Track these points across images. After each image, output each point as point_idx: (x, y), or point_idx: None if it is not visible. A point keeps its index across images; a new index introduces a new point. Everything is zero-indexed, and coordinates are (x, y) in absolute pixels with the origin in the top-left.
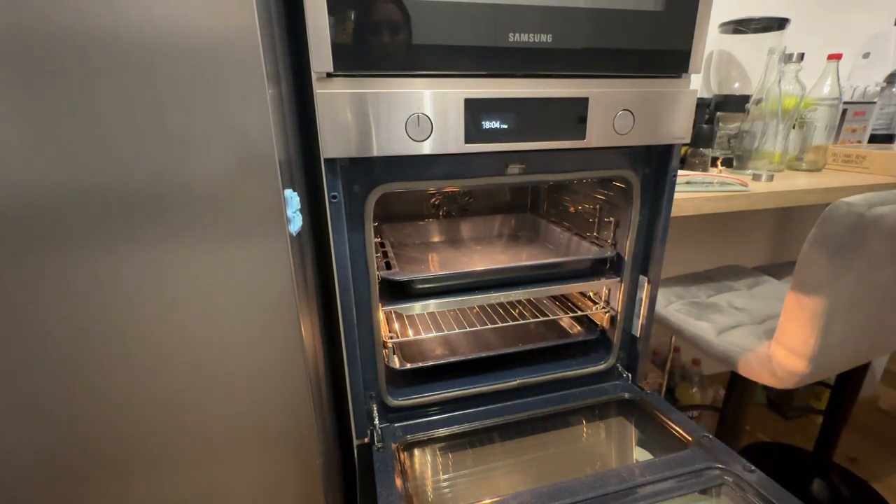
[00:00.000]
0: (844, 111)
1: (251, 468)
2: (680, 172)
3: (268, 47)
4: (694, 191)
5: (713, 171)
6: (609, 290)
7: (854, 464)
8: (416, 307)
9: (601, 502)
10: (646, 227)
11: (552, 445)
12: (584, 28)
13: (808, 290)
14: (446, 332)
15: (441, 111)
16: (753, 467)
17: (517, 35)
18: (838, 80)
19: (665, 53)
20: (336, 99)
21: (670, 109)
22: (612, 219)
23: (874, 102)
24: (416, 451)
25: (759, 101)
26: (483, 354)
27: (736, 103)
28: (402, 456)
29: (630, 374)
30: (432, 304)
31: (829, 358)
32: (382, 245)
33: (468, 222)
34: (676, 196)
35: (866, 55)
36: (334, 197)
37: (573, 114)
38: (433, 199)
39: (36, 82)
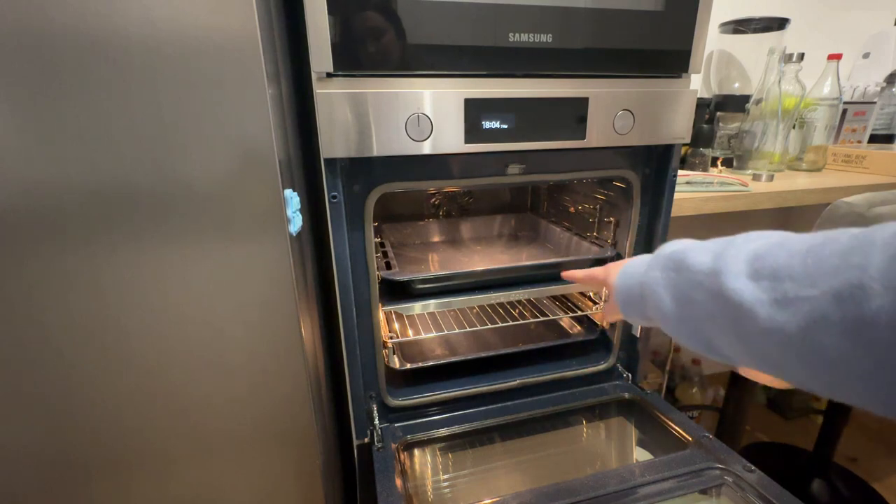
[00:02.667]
0: (844, 111)
1: (251, 468)
2: (680, 172)
3: (268, 47)
4: (694, 191)
5: (713, 171)
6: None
7: (854, 464)
8: (416, 307)
9: (601, 502)
10: (646, 227)
11: (552, 445)
12: (585, 28)
13: None
14: (446, 332)
15: (441, 111)
16: (753, 467)
17: (517, 35)
18: (838, 80)
19: (665, 53)
20: (336, 99)
21: (670, 109)
22: (612, 219)
23: (874, 102)
24: (416, 451)
25: (759, 101)
26: (483, 354)
27: (736, 103)
28: (402, 456)
29: (630, 374)
30: (432, 305)
31: None
32: (382, 245)
33: (468, 222)
34: (676, 196)
35: (866, 55)
36: (334, 197)
37: (573, 114)
38: (433, 199)
39: (36, 82)
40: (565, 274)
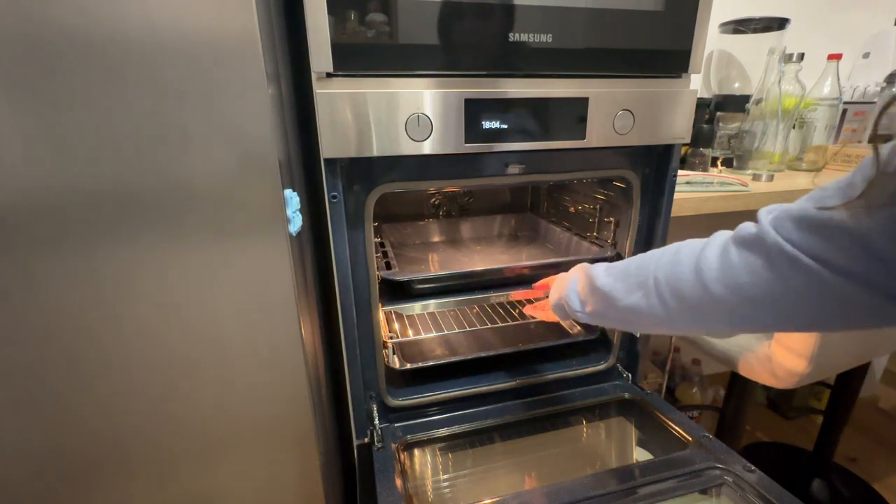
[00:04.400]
0: (844, 111)
1: (251, 468)
2: (680, 172)
3: (268, 47)
4: (694, 191)
5: (713, 171)
6: None
7: (854, 464)
8: (416, 307)
9: (601, 502)
10: (646, 227)
11: (552, 445)
12: (585, 28)
13: None
14: (446, 332)
15: (441, 111)
16: (753, 467)
17: (517, 35)
18: (838, 80)
19: (665, 53)
20: (336, 99)
21: (670, 109)
22: (612, 219)
23: (874, 102)
24: (416, 451)
25: (759, 101)
26: (483, 354)
27: (736, 103)
28: (402, 456)
29: (630, 374)
30: (432, 304)
31: (828, 358)
32: (382, 245)
33: (468, 222)
34: (676, 196)
35: (866, 55)
36: (334, 197)
37: (573, 114)
38: (433, 199)
39: (36, 83)
40: (528, 294)
